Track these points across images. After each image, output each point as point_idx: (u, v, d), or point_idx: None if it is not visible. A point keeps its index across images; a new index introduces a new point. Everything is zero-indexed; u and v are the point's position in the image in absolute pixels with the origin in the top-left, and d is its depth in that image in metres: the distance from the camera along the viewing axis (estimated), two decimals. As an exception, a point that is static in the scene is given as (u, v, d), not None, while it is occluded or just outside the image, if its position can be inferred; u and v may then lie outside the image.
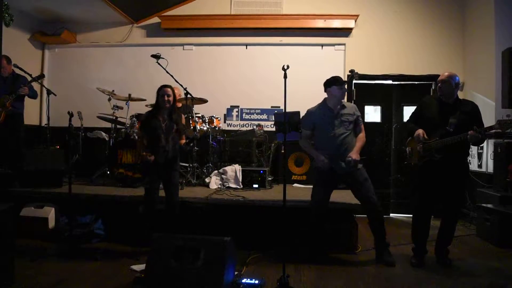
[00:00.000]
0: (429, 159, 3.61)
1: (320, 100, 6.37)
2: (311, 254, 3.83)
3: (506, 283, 3.30)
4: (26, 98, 5.35)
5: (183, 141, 4.07)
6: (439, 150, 3.51)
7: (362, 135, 3.87)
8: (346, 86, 3.94)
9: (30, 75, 5.14)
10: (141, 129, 3.98)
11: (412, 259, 3.71)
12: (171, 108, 3.89)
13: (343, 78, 5.55)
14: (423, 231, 3.72)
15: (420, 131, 3.60)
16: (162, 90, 3.85)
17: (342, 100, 3.90)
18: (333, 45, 6.62)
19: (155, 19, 6.87)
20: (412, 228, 3.80)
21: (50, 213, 4.32)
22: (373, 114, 6.55)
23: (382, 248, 3.74)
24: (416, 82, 6.40)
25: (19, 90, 5.05)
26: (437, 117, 3.58)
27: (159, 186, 3.90)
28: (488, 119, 5.41)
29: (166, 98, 3.81)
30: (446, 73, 3.60)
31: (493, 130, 3.37)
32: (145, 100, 5.74)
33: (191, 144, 5.10)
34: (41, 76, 5.39)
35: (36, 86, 5.60)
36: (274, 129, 6.09)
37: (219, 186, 4.98)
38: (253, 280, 2.93)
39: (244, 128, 6.54)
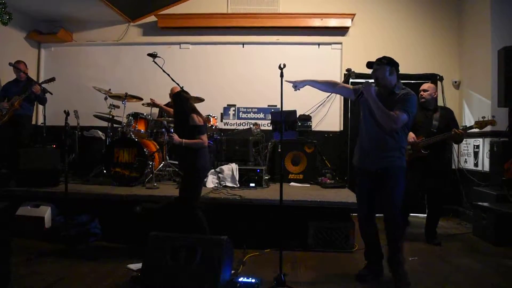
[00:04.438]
0: (416, 156, 4.25)
1: (317, 100, 6.48)
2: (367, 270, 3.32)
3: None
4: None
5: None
6: (426, 147, 4.25)
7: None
8: (384, 67, 3.11)
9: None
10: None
11: None
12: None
13: (341, 76, 5.49)
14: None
15: (411, 134, 4.18)
16: None
17: (398, 85, 3.16)
18: (330, 44, 6.63)
19: (151, 18, 6.85)
20: None
21: (46, 212, 4.30)
22: (369, 113, 6.55)
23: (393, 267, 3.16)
24: (412, 81, 6.40)
25: (31, 87, 5.14)
26: (422, 121, 4.30)
27: None
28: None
29: None
30: (427, 85, 4.51)
31: (473, 129, 4.26)
32: (142, 99, 5.74)
33: None
34: (52, 79, 5.39)
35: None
36: (271, 128, 6.14)
37: (216, 185, 4.97)
38: (250, 278, 2.93)
39: (241, 127, 6.55)
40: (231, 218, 4.19)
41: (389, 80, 3.13)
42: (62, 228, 4.05)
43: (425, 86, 4.50)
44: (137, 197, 4.29)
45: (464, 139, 5.97)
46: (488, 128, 5.28)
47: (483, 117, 4.11)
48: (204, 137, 3.59)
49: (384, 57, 3.18)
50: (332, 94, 6.47)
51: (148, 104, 5.69)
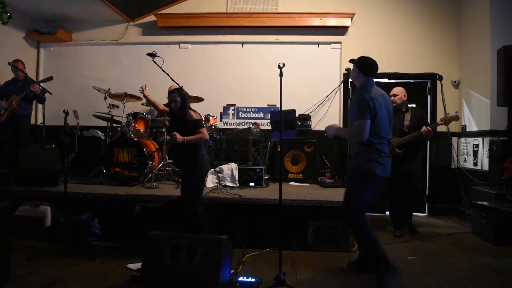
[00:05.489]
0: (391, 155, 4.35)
1: (317, 99, 6.49)
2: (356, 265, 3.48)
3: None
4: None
5: None
6: (400, 146, 4.52)
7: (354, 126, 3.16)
8: (355, 67, 3.30)
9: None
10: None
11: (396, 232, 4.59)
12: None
13: (341, 76, 5.49)
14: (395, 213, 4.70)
15: None
16: None
17: (363, 89, 3.20)
18: (329, 43, 6.62)
19: (151, 17, 6.85)
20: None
21: (46, 212, 4.29)
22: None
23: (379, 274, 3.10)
24: (412, 81, 6.42)
25: (30, 86, 5.15)
26: (396, 122, 4.39)
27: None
28: (484, 117, 5.46)
29: None
30: (396, 89, 4.70)
31: (439, 125, 4.54)
32: (141, 99, 5.73)
33: None
34: (50, 78, 5.39)
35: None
36: (270, 127, 6.15)
37: (216, 184, 4.98)
38: (250, 278, 2.94)
39: (241, 127, 6.55)
40: (231, 218, 4.19)
41: (357, 82, 3.29)
42: (62, 228, 4.04)
43: (395, 90, 4.71)
44: (137, 197, 4.30)
45: (464, 138, 6.00)
46: (487, 127, 5.32)
47: (448, 114, 4.49)
48: (205, 130, 3.62)
49: (360, 57, 3.31)
50: (332, 93, 6.49)
51: (147, 104, 5.69)
